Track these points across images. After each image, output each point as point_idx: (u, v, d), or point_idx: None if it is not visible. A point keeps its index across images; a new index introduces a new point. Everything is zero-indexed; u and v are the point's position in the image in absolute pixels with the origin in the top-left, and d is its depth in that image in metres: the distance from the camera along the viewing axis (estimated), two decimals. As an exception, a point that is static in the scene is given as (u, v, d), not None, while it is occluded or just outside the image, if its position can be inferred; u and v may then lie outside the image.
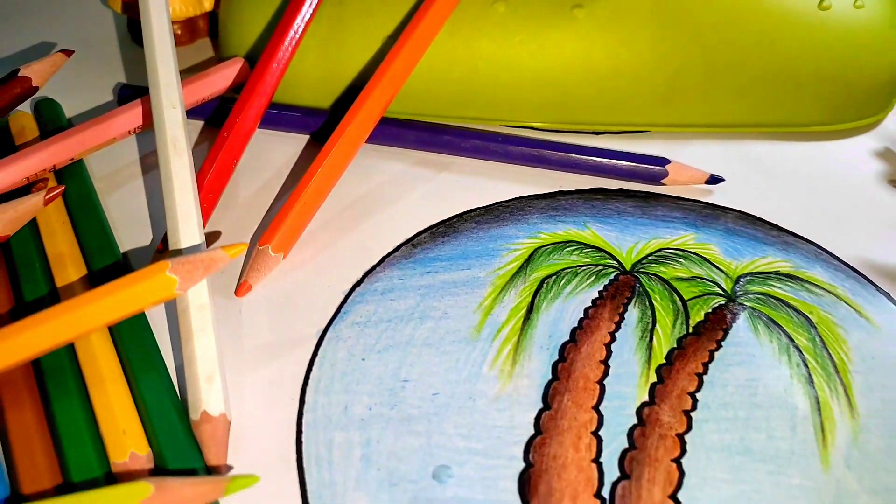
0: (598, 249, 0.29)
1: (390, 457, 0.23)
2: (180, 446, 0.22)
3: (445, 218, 0.30)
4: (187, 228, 0.25)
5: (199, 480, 0.19)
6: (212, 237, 0.29)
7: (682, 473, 0.23)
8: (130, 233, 0.29)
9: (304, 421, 0.24)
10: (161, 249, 0.27)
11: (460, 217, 0.30)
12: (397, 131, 0.32)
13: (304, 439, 0.23)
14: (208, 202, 0.28)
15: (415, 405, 0.24)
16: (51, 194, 0.26)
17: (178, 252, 0.25)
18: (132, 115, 0.30)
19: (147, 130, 0.30)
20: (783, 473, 0.23)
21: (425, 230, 0.30)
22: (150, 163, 0.31)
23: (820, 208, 0.31)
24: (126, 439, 0.22)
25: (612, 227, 0.30)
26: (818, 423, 0.24)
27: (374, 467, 0.23)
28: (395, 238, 0.29)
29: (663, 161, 0.31)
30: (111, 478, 0.21)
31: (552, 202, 0.31)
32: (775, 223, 0.30)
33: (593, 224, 0.30)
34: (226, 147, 0.29)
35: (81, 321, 0.22)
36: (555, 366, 0.25)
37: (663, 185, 0.31)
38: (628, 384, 0.25)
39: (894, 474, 0.23)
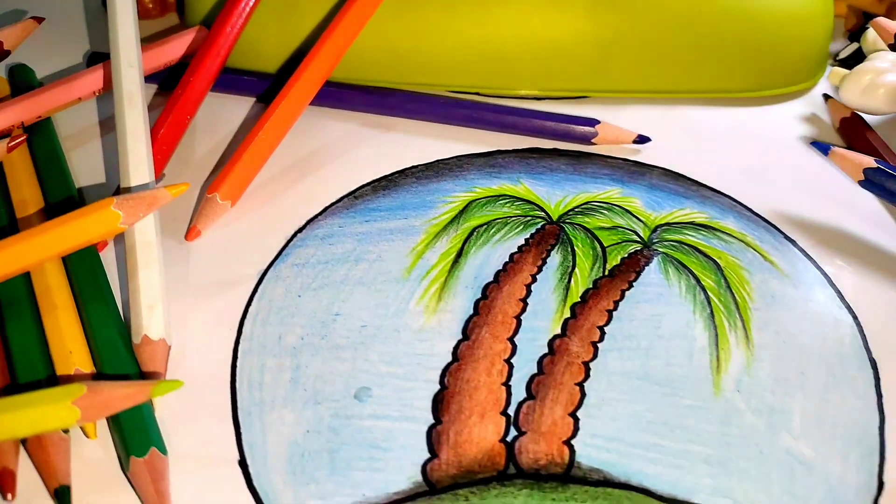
0: (529, 202, 0.31)
1: (317, 379, 0.25)
2: (121, 366, 0.24)
3: (388, 173, 0.32)
4: (137, 170, 0.27)
5: (127, 383, 0.21)
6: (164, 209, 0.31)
7: (583, 395, 0.25)
8: (91, 185, 0.31)
9: (239, 348, 0.26)
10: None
11: (402, 173, 0.32)
12: (346, 94, 0.34)
13: (238, 364, 0.25)
14: (162, 154, 0.30)
15: (343, 335, 0.26)
16: (14, 142, 0.28)
17: (128, 191, 0.27)
18: (96, 77, 0.32)
19: (111, 92, 0.32)
20: (676, 395, 0.24)
21: (367, 184, 0.32)
22: (111, 124, 0.33)
23: (741, 167, 0.32)
24: (72, 358, 0.24)
25: (543, 183, 0.32)
26: (714, 354, 0.26)
27: (301, 388, 0.25)
28: (339, 191, 0.31)
29: (593, 122, 0.33)
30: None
31: (489, 160, 0.33)
32: (697, 179, 0.32)
33: (526, 180, 0.32)
34: (179, 103, 0.31)
35: (32, 251, 0.24)
36: (477, 303, 0.27)
37: (594, 144, 0.33)
38: (543, 319, 0.27)
39: (779, 396, 0.24)
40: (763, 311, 0.27)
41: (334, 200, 0.31)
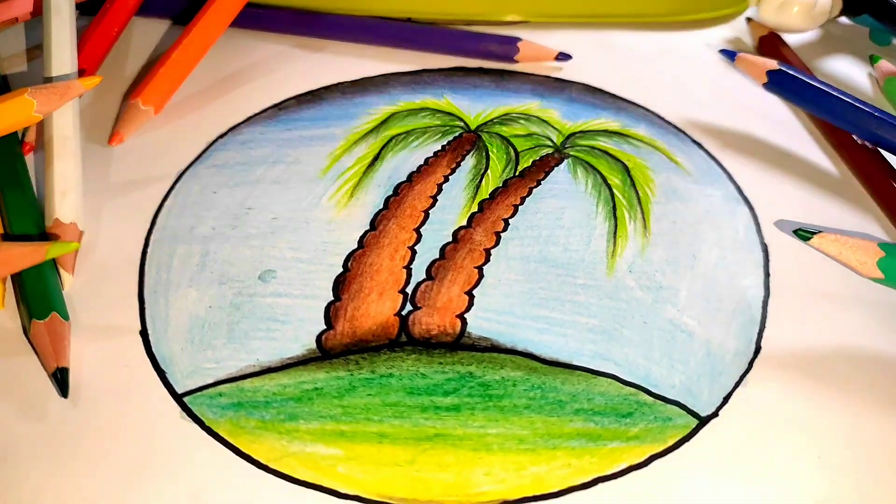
0: (449, 114, 0.32)
1: (224, 263, 0.26)
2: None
3: (314, 88, 0.33)
4: (59, 59, 0.28)
5: (25, 244, 0.22)
6: (89, 113, 0.31)
7: (481, 276, 0.25)
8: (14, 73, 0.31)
9: (151, 238, 0.27)
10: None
11: (327, 88, 0.33)
12: (277, 14, 0.35)
13: (148, 250, 0.26)
14: (89, 67, 0.31)
15: (254, 226, 0.27)
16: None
17: (49, 80, 0.27)
18: (30, -3, 0.33)
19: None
20: (570, 275, 0.25)
21: (293, 97, 0.32)
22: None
23: (660, 82, 0.33)
24: (-16, 238, 0.24)
25: (465, 97, 0.32)
26: (612, 240, 0.26)
27: (207, 270, 0.25)
28: (265, 103, 0.32)
29: (515, 39, 0.34)
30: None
31: (415, 77, 0.34)
32: (614, 93, 0.33)
33: (449, 94, 0.33)
34: (108, 16, 0.32)
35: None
36: (388, 199, 0.28)
37: (516, 62, 0.34)
38: (451, 213, 0.27)
39: (669, 276, 0.25)
40: (663, 204, 0.28)
41: (258, 111, 0.32)
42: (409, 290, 0.25)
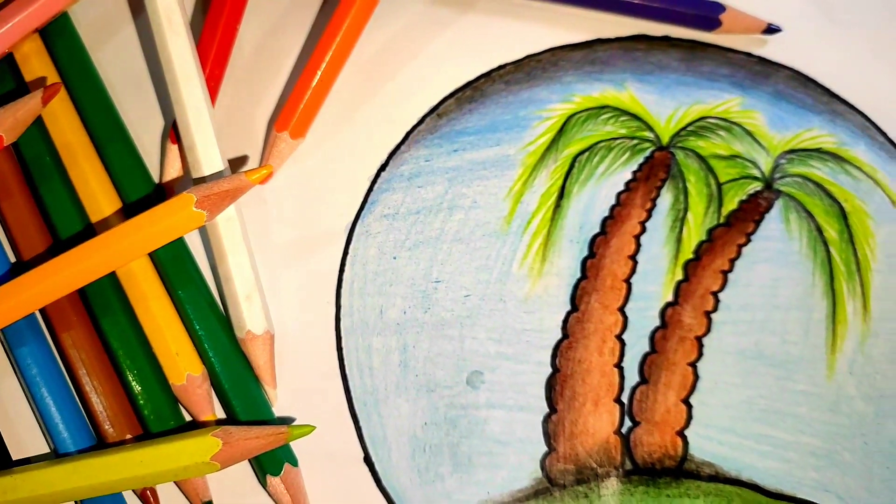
0: (636, 118, 0.27)
1: (426, 362, 0.25)
2: (231, 366, 0.23)
3: (472, 79, 0.28)
4: (206, 155, 0.23)
5: (261, 430, 0.21)
6: (228, 143, 0.27)
7: (696, 377, 0.25)
8: (132, 100, 0.26)
9: (342, 326, 0.25)
10: (174, 141, 0.25)
11: (488, 77, 0.28)
12: (416, -34, 0.28)
13: (343, 345, 0.25)
14: (214, 78, 0.26)
15: (447, 308, 0.25)
16: (48, 93, 0.23)
17: (202, 180, 0.23)
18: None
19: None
20: (790, 379, 0.24)
21: (450, 95, 0.27)
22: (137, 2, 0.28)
23: (886, 73, 0.28)
24: (179, 361, 0.23)
25: (652, 88, 0.28)
26: (831, 328, 0.25)
27: (411, 373, 0.24)
28: (420, 106, 0.27)
29: (718, 7, 0.27)
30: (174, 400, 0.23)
31: (588, 53, 0.28)
32: (828, 87, 0.28)
33: (632, 83, 0.28)
34: (227, 9, 0.25)
35: (113, 257, 0.22)
36: (584, 262, 0.26)
37: (715, 32, 0.28)
38: (654, 282, 0.25)
39: (891, 379, 0.24)
40: (885, 273, 0.26)
41: (415, 123, 0.27)
42: (623, 397, 0.24)
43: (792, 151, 0.27)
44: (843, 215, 0.26)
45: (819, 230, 0.26)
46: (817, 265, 0.26)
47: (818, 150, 0.27)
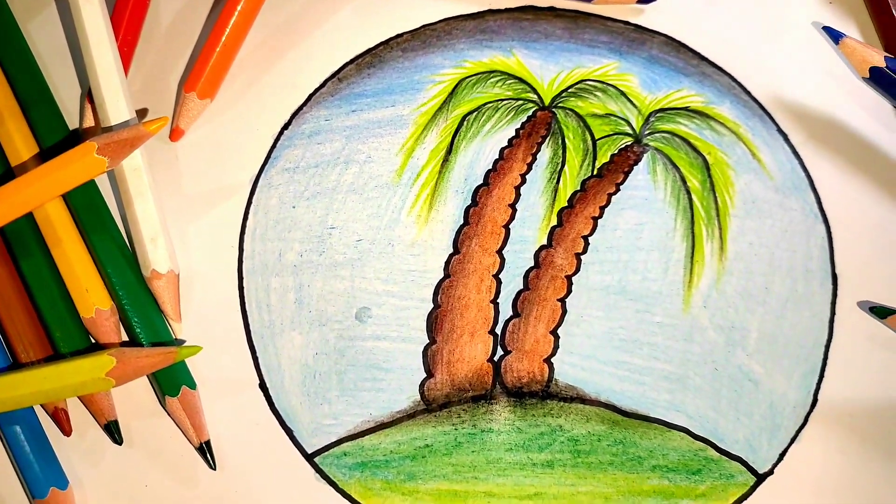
0: (521, 81, 0.30)
1: (319, 299, 0.27)
2: (138, 302, 0.26)
3: (371, 46, 0.30)
4: (115, 109, 0.26)
5: (152, 351, 0.23)
6: (145, 105, 0.29)
7: (564, 311, 0.27)
8: (59, 68, 0.29)
9: (244, 268, 0.27)
10: (90, 101, 0.28)
11: (386, 44, 0.30)
12: (319, -57, 0.30)
13: (244, 285, 0.27)
14: (128, 44, 0.28)
15: (340, 251, 0.27)
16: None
17: (108, 129, 0.26)
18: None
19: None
20: (648, 311, 0.27)
21: (351, 61, 0.30)
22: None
23: (752, 37, 0.30)
24: (90, 297, 0.25)
25: (537, 54, 0.30)
26: (689, 267, 0.27)
27: (305, 309, 0.27)
28: (322, 71, 0.30)
29: (595, -20, 0.30)
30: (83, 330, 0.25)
31: (480, 23, 0.31)
32: (699, 51, 0.30)
33: (519, 49, 0.30)
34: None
35: (24, 200, 0.24)
36: (467, 210, 0.28)
37: (592, 3, 0.30)
38: (531, 228, 0.28)
39: (741, 313, 0.27)
40: (742, 218, 0.28)
41: (318, 86, 0.29)
42: (497, 329, 0.27)
43: (662, 110, 0.29)
44: (707, 166, 0.29)
45: (683, 180, 0.28)
46: (679, 211, 0.28)
47: (686, 109, 0.29)
